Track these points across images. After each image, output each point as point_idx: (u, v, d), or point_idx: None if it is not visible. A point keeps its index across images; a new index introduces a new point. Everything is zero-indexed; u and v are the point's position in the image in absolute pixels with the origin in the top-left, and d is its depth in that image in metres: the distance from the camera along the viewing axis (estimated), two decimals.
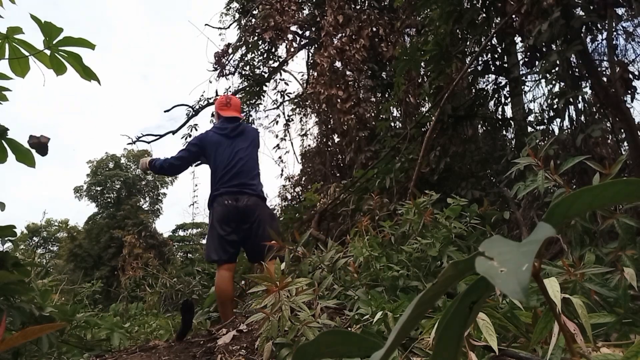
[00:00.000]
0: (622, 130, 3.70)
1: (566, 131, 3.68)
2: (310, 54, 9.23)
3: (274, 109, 9.87)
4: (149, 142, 9.83)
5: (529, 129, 4.67)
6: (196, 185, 9.52)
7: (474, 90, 5.08)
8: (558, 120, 3.66)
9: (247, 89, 9.21)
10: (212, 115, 3.91)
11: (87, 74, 2.30)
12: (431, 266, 2.45)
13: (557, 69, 3.50)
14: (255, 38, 8.49)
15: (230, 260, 3.43)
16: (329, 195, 5.86)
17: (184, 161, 3.72)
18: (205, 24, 9.99)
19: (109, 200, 26.21)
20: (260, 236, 3.32)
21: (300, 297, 1.98)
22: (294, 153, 10.06)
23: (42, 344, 2.51)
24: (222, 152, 3.60)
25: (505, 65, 4.73)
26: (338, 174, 8.55)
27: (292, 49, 8.62)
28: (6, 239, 2.79)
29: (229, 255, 3.42)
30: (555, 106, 3.55)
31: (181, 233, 25.59)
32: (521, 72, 4.97)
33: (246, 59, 9.05)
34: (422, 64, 5.10)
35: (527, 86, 5.14)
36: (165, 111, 9.95)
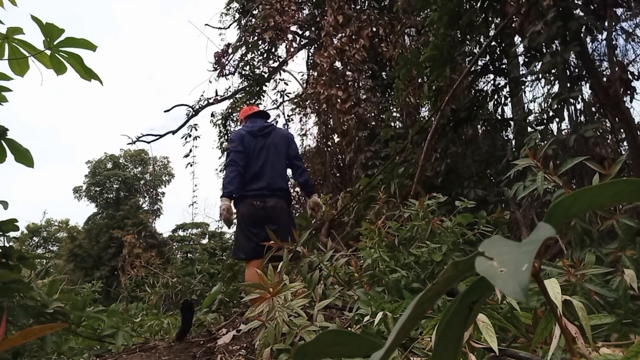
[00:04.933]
0: (622, 130, 3.70)
1: (565, 131, 3.69)
2: (310, 54, 9.23)
3: (273, 109, 9.88)
4: (149, 142, 9.85)
5: (529, 129, 4.68)
6: (196, 185, 9.54)
7: (473, 91, 5.09)
8: (557, 120, 3.66)
9: (247, 89, 9.22)
10: (240, 122, 3.97)
11: (88, 74, 2.30)
12: (435, 270, 2.46)
13: (555, 69, 3.50)
14: (255, 38, 8.50)
15: (258, 256, 3.41)
16: (338, 206, 5.87)
17: (238, 164, 3.61)
18: (205, 24, 10.00)
19: (109, 200, 26.20)
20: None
21: (296, 302, 1.97)
22: None
23: (46, 344, 2.51)
24: (251, 151, 3.63)
25: (504, 65, 4.74)
26: (338, 174, 8.55)
27: (292, 49, 8.62)
28: (10, 235, 2.78)
29: (257, 253, 3.42)
30: (554, 107, 3.56)
31: (181, 233, 25.59)
32: (521, 73, 4.97)
33: (246, 59, 9.05)
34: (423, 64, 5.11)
35: (527, 86, 5.15)
36: (165, 111, 9.96)
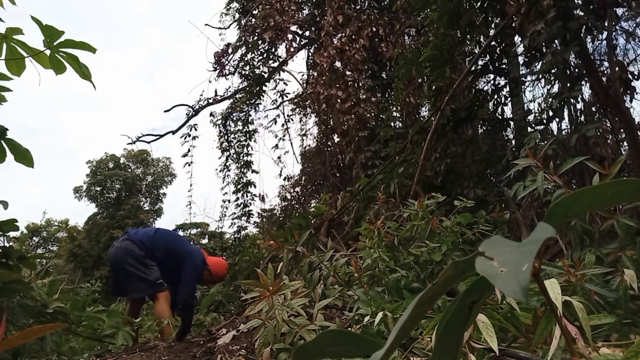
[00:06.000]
0: (622, 130, 3.70)
1: (565, 131, 3.69)
2: (310, 54, 9.23)
3: (273, 109, 9.88)
4: (148, 142, 9.84)
5: (529, 129, 4.68)
6: (191, 185, 9.50)
7: (473, 91, 5.09)
8: (557, 120, 3.66)
9: (247, 89, 9.21)
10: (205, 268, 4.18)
11: (85, 74, 2.31)
12: (435, 270, 2.46)
13: (555, 69, 3.50)
14: (255, 38, 8.49)
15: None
16: (337, 205, 5.88)
17: None
18: (205, 24, 9.98)
19: (109, 200, 26.20)
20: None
21: (296, 301, 1.97)
22: (294, 153, 10.05)
23: (46, 344, 2.51)
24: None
25: (504, 65, 4.74)
26: (338, 174, 8.56)
27: (292, 49, 8.62)
28: (10, 235, 2.78)
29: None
30: (554, 106, 3.55)
31: (180, 233, 25.58)
32: (521, 72, 4.97)
33: (246, 59, 9.04)
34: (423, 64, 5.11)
35: (527, 86, 5.15)
36: (165, 111, 9.94)
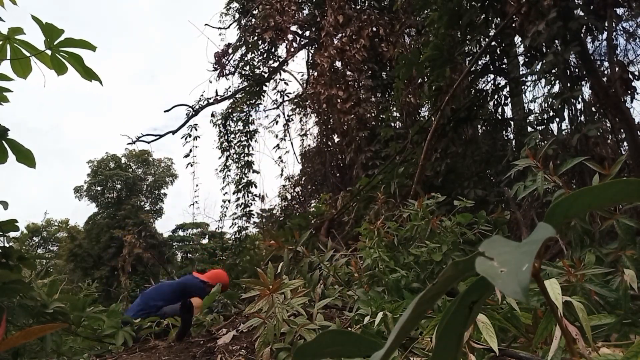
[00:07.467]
0: (622, 130, 3.70)
1: (566, 131, 3.69)
2: (310, 54, 9.23)
3: (273, 109, 9.88)
4: (148, 142, 9.86)
5: (529, 129, 4.68)
6: (197, 185, 9.55)
7: (473, 91, 5.09)
8: (557, 120, 3.66)
9: (247, 89, 9.21)
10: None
11: (88, 74, 2.30)
12: (435, 270, 2.46)
13: (555, 69, 3.50)
14: (255, 38, 8.49)
15: None
16: (337, 205, 5.88)
17: None
18: (205, 24, 9.99)
19: (110, 200, 26.18)
20: None
21: (296, 300, 1.97)
22: (294, 153, 10.07)
23: (46, 344, 2.51)
24: None
25: (505, 65, 4.74)
26: (338, 174, 8.56)
27: (292, 49, 8.62)
28: (11, 235, 2.78)
29: None
30: (555, 106, 3.55)
31: (181, 233, 25.64)
32: (521, 73, 4.97)
33: (246, 59, 9.04)
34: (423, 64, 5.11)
35: (528, 86, 5.15)
36: (165, 111, 9.97)
